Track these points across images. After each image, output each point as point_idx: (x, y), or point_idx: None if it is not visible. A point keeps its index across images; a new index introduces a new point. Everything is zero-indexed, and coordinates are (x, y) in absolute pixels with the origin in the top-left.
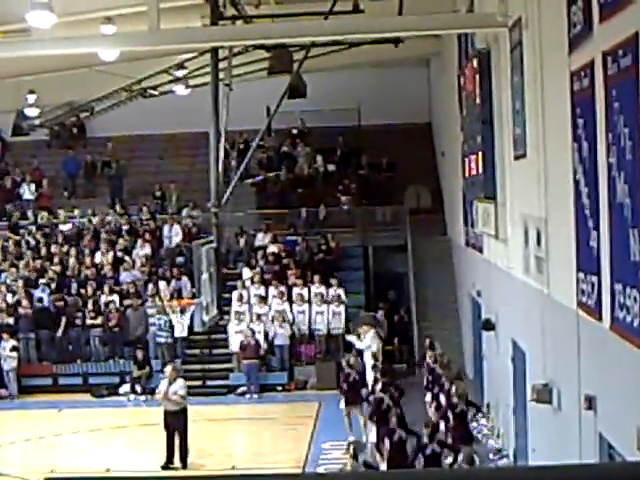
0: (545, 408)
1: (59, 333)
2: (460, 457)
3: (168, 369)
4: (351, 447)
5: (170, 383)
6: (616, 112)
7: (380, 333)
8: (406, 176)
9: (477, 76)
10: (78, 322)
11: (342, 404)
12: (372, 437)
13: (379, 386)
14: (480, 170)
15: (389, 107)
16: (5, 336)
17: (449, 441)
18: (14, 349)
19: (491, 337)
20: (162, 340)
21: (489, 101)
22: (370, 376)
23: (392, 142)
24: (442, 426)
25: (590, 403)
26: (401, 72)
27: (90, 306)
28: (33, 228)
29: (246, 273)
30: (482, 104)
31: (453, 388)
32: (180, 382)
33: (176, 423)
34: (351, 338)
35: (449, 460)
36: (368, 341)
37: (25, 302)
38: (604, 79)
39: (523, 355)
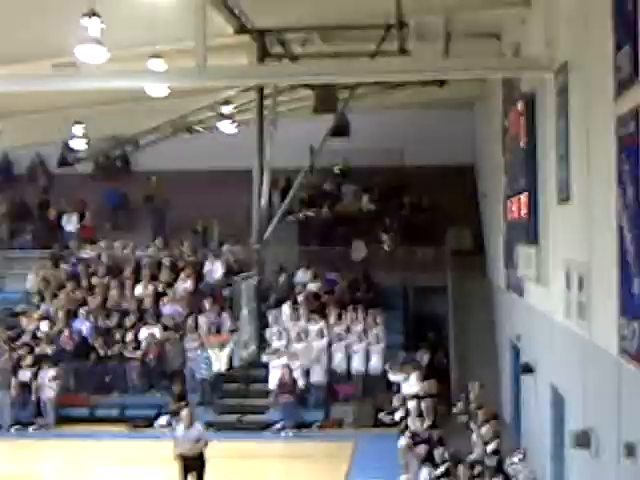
0: (583, 454)
1: (97, 364)
2: None
3: (184, 414)
4: None
5: (187, 428)
6: None
7: (419, 374)
8: (448, 217)
9: (522, 119)
10: (117, 354)
11: (401, 441)
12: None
13: (425, 426)
14: (523, 213)
15: (432, 148)
16: (45, 366)
17: None
18: (54, 379)
19: (530, 381)
20: (200, 374)
21: (533, 144)
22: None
23: (434, 183)
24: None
25: (630, 450)
26: (445, 113)
27: (129, 338)
28: (74, 259)
29: (285, 310)
30: (526, 147)
31: (483, 429)
32: (198, 427)
33: (194, 465)
34: (395, 377)
35: None
36: (414, 382)
37: (65, 332)
38: None
39: (562, 400)
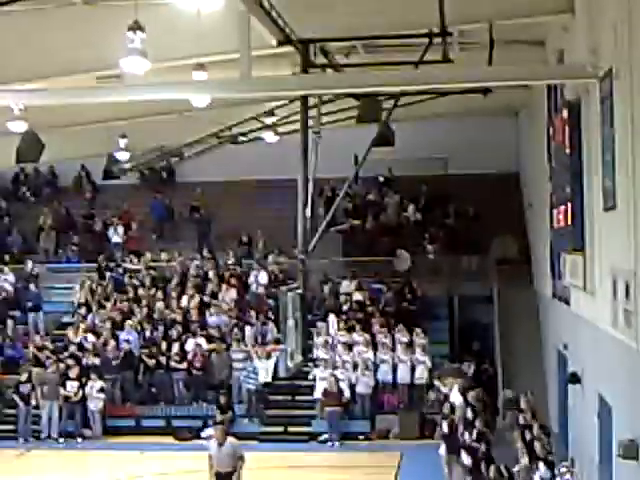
0: (631, 464)
1: (144, 375)
2: None
3: (216, 430)
4: None
5: (220, 445)
6: None
7: (465, 385)
8: (493, 226)
9: (567, 127)
10: (163, 365)
11: (442, 450)
12: None
13: (474, 435)
14: (569, 221)
15: (477, 157)
16: (93, 376)
17: None
18: (101, 390)
19: (577, 391)
20: (247, 385)
21: (578, 152)
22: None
23: (479, 192)
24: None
25: None
26: (489, 122)
27: (176, 349)
28: (121, 271)
29: (331, 320)
30: (571, 155)
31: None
32: (233, 442)
33: None
34: (442, 388)
35: None
36: (456, 394)
37: (111, 344)
38: None
39: (609, 409)
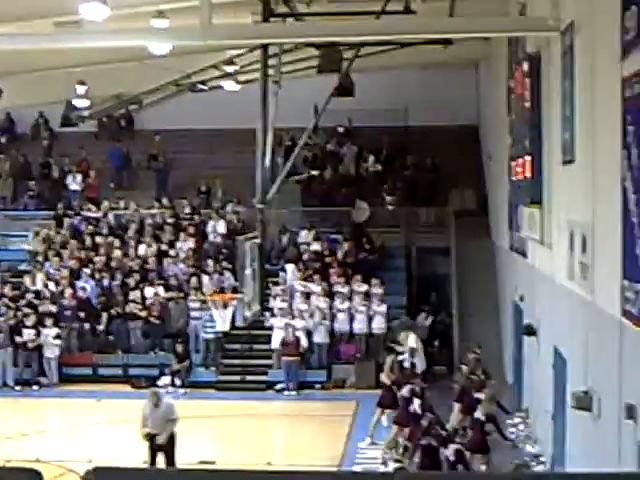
0: (585, 415)
1: (101, 324)
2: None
3: (150, 393)
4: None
5: (155, 406)
6: None
7: (419, 335)
8: (452, 178)
9: (527, 80)
10: (120, 313)
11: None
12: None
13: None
14: (527, 174)
15: (437, 109)
16: (48, 323)
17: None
18: (57, 337)
19: (532, 343)
20: (203, 334)
21: (538, 105)
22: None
23: (438, 144)
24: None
25: (631, 412)
26: (450, 74)
27: (133, 298)
28: (78, 219)
29: (289, 270)
30: (532, 108)
31: (483, 394)
32: (168, 404)
33: (164, 445)
34: (395, 347)
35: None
36: (413, 343)
37: (68, 292)
38: None
39: (564, 362)
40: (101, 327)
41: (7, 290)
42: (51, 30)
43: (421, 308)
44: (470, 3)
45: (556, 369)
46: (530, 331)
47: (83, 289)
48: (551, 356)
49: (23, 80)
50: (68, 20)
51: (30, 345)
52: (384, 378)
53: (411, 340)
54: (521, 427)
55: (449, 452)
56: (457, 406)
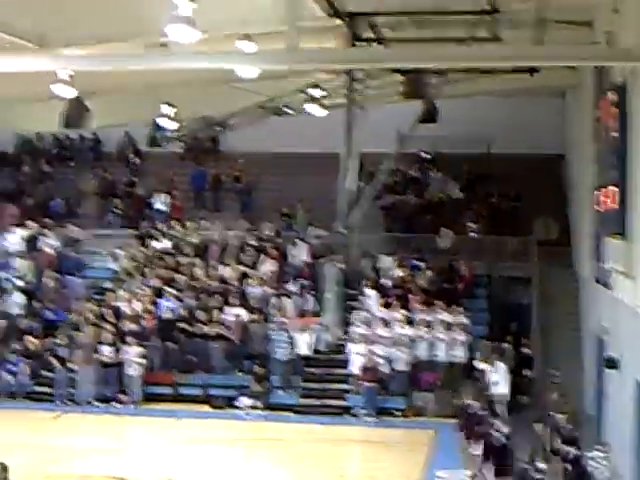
0: None
1: (182, 344)
2: None
3: None
4: None
5: None
6: None
7: (506, 365)
8: (535, 207)
9: (614, 109)
10: (201, 333)
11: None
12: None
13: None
14: (613, 205)
15: (521, 137)
16: (131, 341)
17: None
18: (141, 356)
19: (614, 376)
20: (283, 357)
21: (625, 135)
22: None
23: (522, 172)
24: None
25: None
26: (535, 102)
27: (214, 318)
28: (163, 238)
29: (369, 295)
30: (618, 138)
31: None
32: None
33: None
34: (482, 365)
35: None
36: (502, 373)
37: (151, 311)
38: None
39: None
40: (182, 347)
41: (91, 307)
42: (140, 52)
43: (502, 337)
44: (557, 31)
45: (638, 404)
46: (612, 364)
47: (166, 308)
48: (633, 390)
49: (111, 100)
50: (156, 42)
51: (108, 361)
52: (469, 404)
53: (496, 368)
54: (601, 461)
55: None
56: None
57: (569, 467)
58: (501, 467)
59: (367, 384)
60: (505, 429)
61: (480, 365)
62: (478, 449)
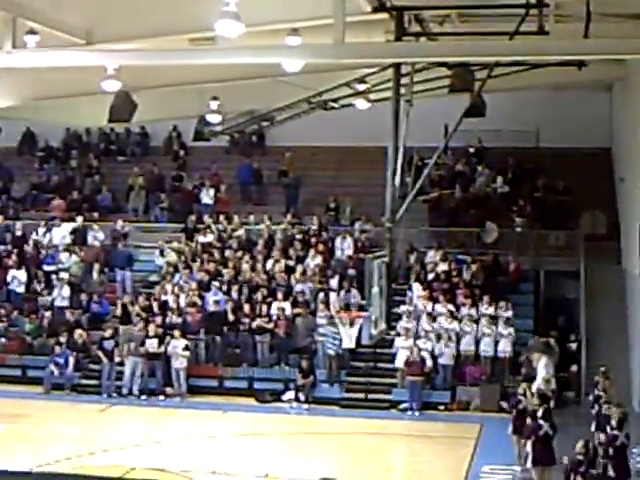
0: None
1: (228, 337)
2: None
3: None
4: None
5: None
6: None
7: (552, 360)
8: (582, 201)
9: None
10: (247, 327)
11: (510, 430)
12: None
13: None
14: None
15: (568, 130)
16: (177, 334)
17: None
18: (186, 349)
19: None
20: (329, 351)
21: None
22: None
23: (570, 166)
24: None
25: None
26: (583, 96)
27: (260, 312)
28: (209, 232)
29: (416, 289)
30: None
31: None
32: None
33: None
34: (533, 358)
35: None
36: (542, 368)
37: (197, 304)
38: None
39: None
40: (228, 340)
41: (140, 300)
42: (186, 46)
43: (550, 333)
44: (605, 24)
45: None
46: None
47: (213, 302)
48: None
49: (157, 95)
50: (202, 37)
51: (154, 355)
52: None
53: (542, 363)
54: None
55: None
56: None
57: (611, 451)
58: (548, 463)
59: (412, 378)
60: (552, 425)
61: (531, 358)
62: (527, 445)
